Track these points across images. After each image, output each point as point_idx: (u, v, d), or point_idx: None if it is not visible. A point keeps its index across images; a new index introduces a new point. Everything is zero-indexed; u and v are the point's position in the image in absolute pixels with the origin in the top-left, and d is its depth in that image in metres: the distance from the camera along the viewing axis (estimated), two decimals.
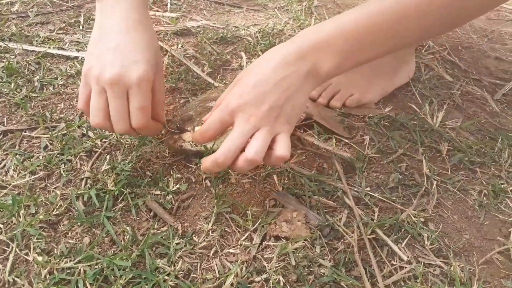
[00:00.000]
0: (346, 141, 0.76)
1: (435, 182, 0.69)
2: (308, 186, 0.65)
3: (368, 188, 0.67)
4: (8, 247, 0.53)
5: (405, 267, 0.56)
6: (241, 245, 0.56)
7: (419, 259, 0.57)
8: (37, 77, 0.83)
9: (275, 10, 1.36)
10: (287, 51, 0.53)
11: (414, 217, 0.62)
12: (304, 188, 0.65)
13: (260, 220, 0.59)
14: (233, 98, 0.52)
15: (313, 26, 0.56)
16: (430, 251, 0.58)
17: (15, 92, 0.78)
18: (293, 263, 0.54)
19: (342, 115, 0.82)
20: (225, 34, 1.08)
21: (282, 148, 0.52)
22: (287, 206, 0.62)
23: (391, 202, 0.65)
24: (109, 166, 0.64)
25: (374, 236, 0.59)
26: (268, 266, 0.54)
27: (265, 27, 1.19)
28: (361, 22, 0.53)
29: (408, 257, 0.57)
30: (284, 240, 0.57)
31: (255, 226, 0.59)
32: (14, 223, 0.55)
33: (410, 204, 0.65)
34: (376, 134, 0.78)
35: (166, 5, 1.26)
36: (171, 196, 0.61)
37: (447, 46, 1.10)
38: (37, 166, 0.63)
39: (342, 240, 0.58)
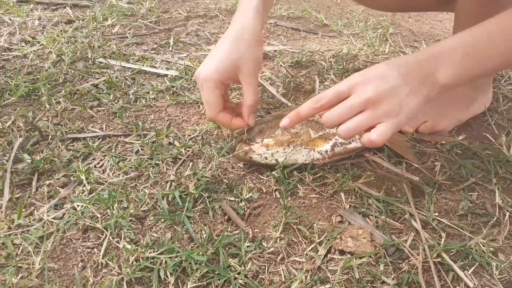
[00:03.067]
0: (417, 166, 0.77)
1: (507, 213, 0.67)
2: (375, 207, 0.67)
3: (436, 214, 0.67)
4: (103, 235, 0.60)
5: None
6: (306, 254, 0.59)
7: (486, 287, 0.57)
8: (132, 90, 0.93)
9: (350, 36, 1.40)
10: (408, 56, 0.58)
11: (483, 245, 0.61)
12: (371, 208, 0.67)
13: (326, 233, 0.62)
14: (354, 76, 0.58)
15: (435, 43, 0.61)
16: (499, 281, 0.57)
17: (113, 102, 0.89)
18: (357, 277, 0.56)
19: (414, 141, 0.82)
20: (300, 58, 1.13)
21: (376, 134, 0.56)
22: (353, 223, 0.64)
23: (460, 229, 0.64)
24: (191, 172, 0.70)
25: (439, 260, 0.59)
26: (332, 277, 0.56)
27: (339, 52, 1.23)
28: (480, 38, 0.57)
29: (474, 284, 0.56)
30: (348, 255, 0.59)
31: (320, 239, 0.61)
32: (109, 215, 0.62)
33: (480, 233, 0.64)
34: (447, 161, 0.78)
35: None
36: (244, 203, 0.66)
37: None
38: (129, 167, 0.71)
39: (407, 261, 0.59)
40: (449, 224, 0.65)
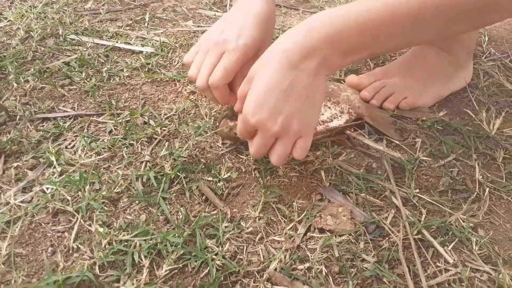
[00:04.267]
0: (397, 142, 0.76)
1: (487, 189, 0.67)
2: (355, 184, 0.66)
3: (417, 190, 0.67)
4: (74, 218, 0.58)
5: (451, 270, 0.55)
6: (286, 233, 0.58)
7: (466, 263, 0.56)
8: (105, 68, 0.90)
9: None
10: (293, 49, 0.51)
11: (463, 221, 0.61)
12: (351, 185, 0.66)
13: (305, 212, 0.61)
14: (250, 110, 0.53)
15: (324, 14, 0.52)
16: (478, 256, 0.57)
17: (85, 81, 0.85)
18: (336, 255, 0.55)
19: (395, 117, 0.81)
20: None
21: (298, 152, 0.56)
22: (333, 201, 0.63)
23: (440, 205, 0.64)
24: (167, 152, 0.68)
25: (420, 237, 0.59)
26: (311, 256, 0.55)
27: None
28: (377, 13, 0.49)
29: (454, 260, 0.56)
30: (328, 233, 0.58)
31: (300, 218, 0.60)
32: (80, 197, 0.60)
33: (460, 209, 0.64)
34: (428, 137, 0.77)
35: (226, 5, 1.31)
36: (222, 183, 0.64)
37: (509, 53, 1.06)
38: (102, 148, 0.68)
39: (387, 239, 0.59)
40: (429, 200, 0.65)
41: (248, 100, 0.53)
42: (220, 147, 0.72)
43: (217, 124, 0.73)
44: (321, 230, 0.59)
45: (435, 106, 0.86)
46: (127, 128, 0.73)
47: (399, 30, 0.51)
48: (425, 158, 0.73)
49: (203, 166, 0.67)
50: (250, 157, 0.69)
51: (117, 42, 0.99)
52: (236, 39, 0.65)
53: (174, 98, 0.84)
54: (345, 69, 0.96)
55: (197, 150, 0.70)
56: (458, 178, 0.69)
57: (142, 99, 0.83)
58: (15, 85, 0.81)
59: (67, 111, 0.77)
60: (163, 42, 1.02)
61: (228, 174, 0.66)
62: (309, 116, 0.55)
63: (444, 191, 0.67)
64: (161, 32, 1.08)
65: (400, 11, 0.49)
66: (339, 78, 0.91)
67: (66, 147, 0.69)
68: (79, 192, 0.60)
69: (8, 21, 1.03)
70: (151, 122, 0.76)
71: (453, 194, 0.66)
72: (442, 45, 0.87)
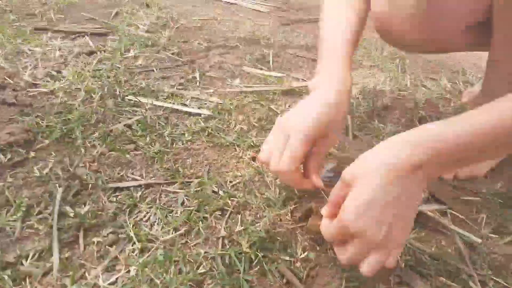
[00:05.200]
0: (462, 217, 0.77)
1: None
2: (431, 266, 0.66)
3: (490, 272, 0.67)
4: None
5: None
6: None
7: None
8: (167, 132, 0.91)
9: (371, 68, 1.40)
10: (400, 164, 0.51)
11: None
12: (427, 266, 0.66)
13: None
14: (351, 217, 0.52)
15: (429, 128, 0.54)
16: None
17: (150, 146, 0.87)
18: None
19: (455, 189, 0.82)
20: None
21: (391, 262, 0.54)
22: (412, 285, 0.63)
23: None
24: (242, 228, 0.69)
25: None
26: None
27: (365, 87, 1.23)
28: (484, 134, 0.51)
29: None
30: None
31: None
32: (165, 279, 0.60)
33: None
34: (490, 211, 0.79)
35: (269, 62, 1.35)
36: (300, 263, 0.65)
37: None
38: (179, 223, 0.69)
39: None
40: (506, 285, 0.65)
41: (348, 207, 0.53)
42: (290, 220, 0.73)
43: (300, 215, 0.73)
44: None
45: (488, 173, 0.87)
46: (199, 200, 0.73)
47: (502, 148, 0.54)
48: (492, 235, 0.74)
49: (279, 244, 0.67)
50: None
51: (174, 103, 1.02)
52: (302, 121, 0.66)
53: (236, 164, 0.85)
54: None
55: (269, 224, 0.71)
56: None
57: (206, 165, 0.84)
58: (83, 151, 0.83)
59: (137, 179, 0.78)
60: (218, 103, 1.04)
61: (305, 253, 0.66)
62: (409, 225, 0.56)
63: None
64: (213, 92, 1.11)
65: (505, 132, 0.51)
66: None
67: (142, 220, 0.69)
68: (165, 274, 0.60)
69: (67, 80, 1.06)
70: (220, 192, 0.76)
71: None
72: None
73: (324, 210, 0.58)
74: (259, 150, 0.89)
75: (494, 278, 0.66)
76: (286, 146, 0.66)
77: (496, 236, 0.74)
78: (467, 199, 0.81)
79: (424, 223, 0.74)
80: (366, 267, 0.54)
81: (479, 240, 0.72)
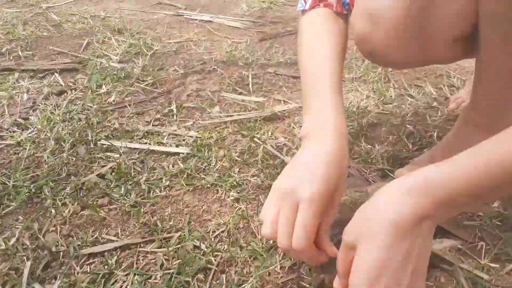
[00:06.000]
0: (460, 246, 0.73)
1: None
2: None
3: None
4: None
5: None
6: None
7: None
8: (143, 178, 0.86)
9: (353, 81, 1.35)
10: (405, 219, 0.47)
11: None
12: None
13: None
14: (363, 282, 0.47)
15: (435, 169, 0.48)
16: None
17: (125, 197, 0.81)
18: None
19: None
20: None
21: None
22: None
23: None
24: None
25: None
26: None
27: (348, 104, 1.18)
28: (490, 178, 0.46)
29: None
30: None
31: None
32: None
33: None
34: (488, 235, 0.74)
35: (248, 84, 1.29)
36: None
37: None
38: None
39: None
40: None
41: (357, 273, 0.48)
42: (280, 272, 0.68)
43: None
44: None
45: None
46: (179, 260, 0.68)
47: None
48: (493, 265, 0.70)
49: None
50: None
51: (150, 143, 0.96)
52: (310, 187, 0.57)
53: (218, 209, 0.80)
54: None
55: (256, 282, 0.66)
56: None
57: (186, 214, 0.79)
58: (53, 211, 0.77)
59: (111, 239, 0.72)
60: (197, 137, 0.99)
61: None
62: (424, 276, 0.51)
63: None
64: (191, 124, 1.05)
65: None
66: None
67: None
68: None
69: (35, 127, 1.00)
70: (202, 246, 0.71)
71: None
72: (481, 122, 0.83)
73: (337, 283, 0.53)
74: (242, 189, 0.85)
75: None
76: (297, 219, 0.57)
77: (497, 265, 0.70)
78: (465, 222, 0.77)
79: None
80: None
81: (486, 277, 0.67)
